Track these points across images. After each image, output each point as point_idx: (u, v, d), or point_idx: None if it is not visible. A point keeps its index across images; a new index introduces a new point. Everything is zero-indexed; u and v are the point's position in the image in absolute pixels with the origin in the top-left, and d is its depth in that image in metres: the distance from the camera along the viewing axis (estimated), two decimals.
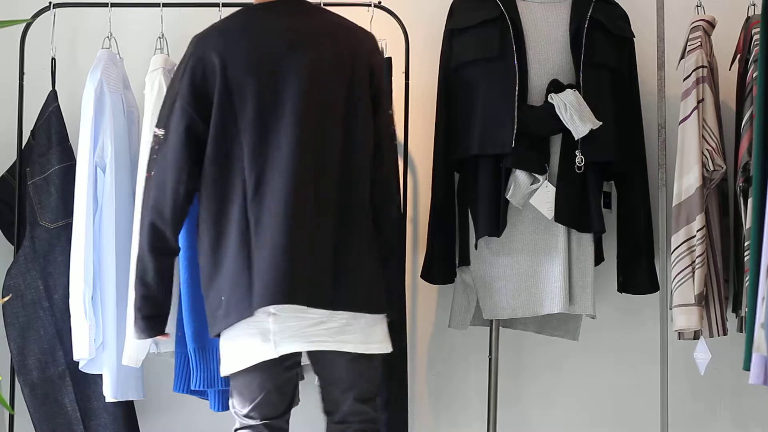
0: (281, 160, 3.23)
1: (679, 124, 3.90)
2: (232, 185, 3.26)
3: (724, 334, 3.95)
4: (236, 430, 3.33)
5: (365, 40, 3.45)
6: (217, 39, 3.35)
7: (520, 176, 3.88)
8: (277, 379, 3.28)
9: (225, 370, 3.32)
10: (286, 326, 3.23)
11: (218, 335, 3.33)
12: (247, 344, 3.25)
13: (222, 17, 4.00)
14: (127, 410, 4.05)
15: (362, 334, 3.28)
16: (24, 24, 4.09)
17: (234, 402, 3.33)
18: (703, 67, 3.88)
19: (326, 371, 3.34)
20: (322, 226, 3.25)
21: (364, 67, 3.35)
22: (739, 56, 3.99)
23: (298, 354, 3.32)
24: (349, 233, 3.28)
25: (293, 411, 3.39)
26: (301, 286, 3.20)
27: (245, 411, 3.31)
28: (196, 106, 3.29)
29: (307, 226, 3.22)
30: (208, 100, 3.28)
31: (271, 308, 3.21)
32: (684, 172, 3.87)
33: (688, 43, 3.93)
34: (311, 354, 3.33)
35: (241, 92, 3.27)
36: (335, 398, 3.34)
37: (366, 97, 3.33)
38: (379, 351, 3.32)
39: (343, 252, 3.26)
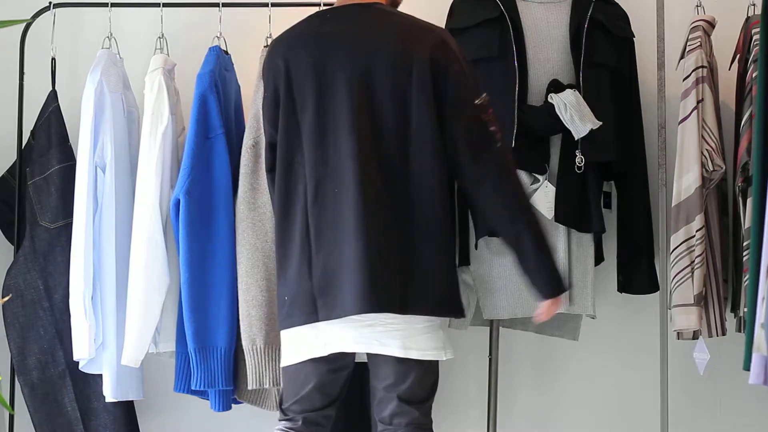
0: (340, 169, 3.27)
1: (679, 124, 3.90)
2: (295, 189, 3.31)
3: (723, 334, 3.95)
4: (279, 420, 3.40)
5: (426, 38, 3.32)
6: (283, 44, 3.38)
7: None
8: (323, 379, 3.33)
9: (282, 363, 3.42)
10: (337, 327, 3.27)
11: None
12: (299, 341, 3.32)
13: (221, 17, 4.01)
14: (127, 410, 4.05)
15: (406, 340, 3.29)
16: (24, 24, 4.09)
17: (282, 393, 3.40)
18: (702, 67, 3.88)
19: (374, 369, 3.38)
20: (388, 237, 3.26)
21: (423, 67, 3.28)
22: (738, 56, 3.99)
23: (349, 356, 3.36)
24: (413, 241, 3.28)
25: None
26: (369, 298, 3.23)
27: (287, 404, 3.37)
28: (271, 113, 3.39)
29: (375, 238, 3.24)
30: (278, 104, 3.37)
31: None
32: (683, 172, 3.87)
33: (688, 43, 3.93)
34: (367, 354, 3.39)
35: (303, 98, 3.31)
36: (381, 397, 3.38)
37: (426, 100, 3.26)
38: (422, 357, 3.32)
39: (408, 260, 3.28)
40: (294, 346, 3.33)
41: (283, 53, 3.34)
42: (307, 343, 3.30)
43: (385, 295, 3.23)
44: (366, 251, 3.21)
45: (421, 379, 3.34)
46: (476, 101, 3.31)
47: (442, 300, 3.32)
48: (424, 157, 3.27)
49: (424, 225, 3.28)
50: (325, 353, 3.29)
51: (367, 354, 3.35)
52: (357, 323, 3.26)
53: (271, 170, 3.44)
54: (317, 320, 3.26)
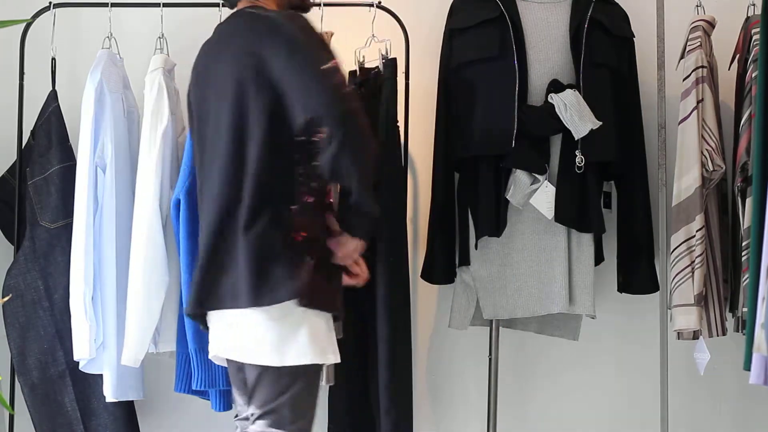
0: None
1: (679, 124, 3.90)
2: None
3: (723, 334, 3.95)
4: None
5: (255, 27, 3.25)
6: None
7: (520, 176, 3.89)
8: None
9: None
10: None
11: None
12: None
13: (221, 17, 4.01)
14: (127, 410, 4.05)
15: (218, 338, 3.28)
16: (24, 24, 4.09)
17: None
18: (702, 67, 3.88)
19: None
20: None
21: (251, 61, 3.21)
22: (738, 56, 3.99)
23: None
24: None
25: None
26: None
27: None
28: None
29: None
30: None
31: None
32: (683, 172, 3.87)
33: (688, 43, 3.93)
34: None
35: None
36: None
37: (256, 95, 3.19)
38: (225, 356, 3.28)
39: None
40: None
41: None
42: None
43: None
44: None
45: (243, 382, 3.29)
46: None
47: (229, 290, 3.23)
48: (249, 160, 3.25)
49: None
50: None
51: None
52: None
53: None
54: None
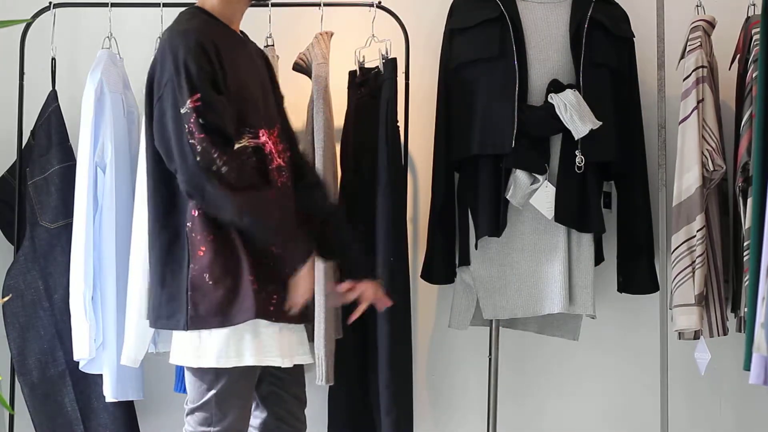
0: None
1: (679, 124, 3.90)
2: None
3: (724, 334, 3.95)
4: None
5: (165, 36, 3.28)
6: None
7: (520, 176, 3.89)
8: None
9: None
10: None
11: None
12: None
13: None
14: (127, 410, 4.05)
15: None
16: (24, 24, 4.09)
17: None
18: (703, 67, 3.88)
19: None
20: None
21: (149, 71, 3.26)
22: (738, 56, 3.99)
23: None
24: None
25: None
26: None
27: None
28: None
29: None
30: None
31: None
32: (684, 172, 3.87)
33: (688, 43, 3.93)
34: None
35: None
36: None
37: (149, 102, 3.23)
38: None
39: None
40: None
41: None
42: None
43: None
44: None
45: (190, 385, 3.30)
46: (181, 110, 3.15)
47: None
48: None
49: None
50: None
51: None
52: None
53: None
54: None
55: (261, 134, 3.23)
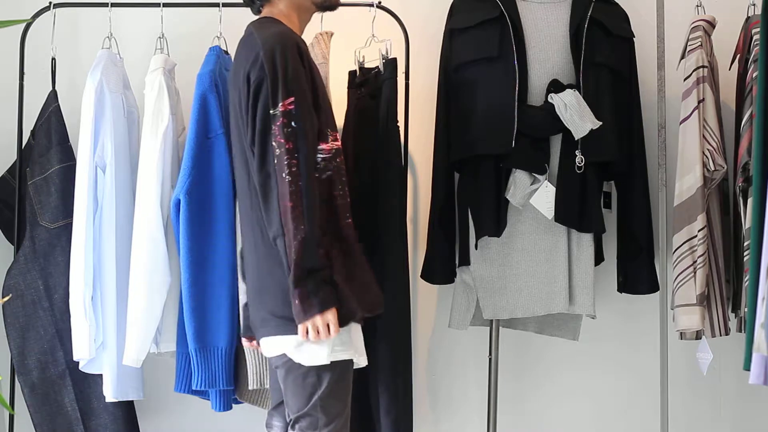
0: None
1: (680, 124, 3.90)
2: None
3: (726, 333, 3.95)
4: None
5: (247, 53, 3.38)
6: None
7: (520, 176, 3.89)
8: None
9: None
10: None
11: None
12: None
13: (221, 17, 4.01)
14: (127, 410, 4.05)
15: None
16: (24, 24, 4.09)
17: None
18: (703, 67, 3.88)
19: None
20: None
21: (242, 85, 3.35)
22: (739, 56, 3.99)
23: None
24: None
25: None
26: None
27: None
28: None
29: None
30: None
31: None
32: (685, 172, 3.87)
33: (689, 43, 3.93)
34: None
35: None
36: None
37: (245, 118, 3.34)
38: None
39: None
40: None
41: None
42: None
43: None
44: None
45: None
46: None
47: None
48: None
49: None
50: None
51: None
52: None
53: None
54: None
55: (334, 137, 3.37)
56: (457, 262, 4.07)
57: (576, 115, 3.82)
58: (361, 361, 3.42)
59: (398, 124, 3.99)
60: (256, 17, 3.50)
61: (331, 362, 3.29)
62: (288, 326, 3.28)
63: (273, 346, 3.35)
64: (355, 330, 3.37)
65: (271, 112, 3.25)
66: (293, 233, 3.19)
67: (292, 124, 3.22)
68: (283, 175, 3.20)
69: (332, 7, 3.53)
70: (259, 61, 3.27)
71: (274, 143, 3.22)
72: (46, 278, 4.02)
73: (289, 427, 3.38)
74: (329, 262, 3.24)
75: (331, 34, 4.03)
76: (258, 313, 3.37)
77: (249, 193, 3.35)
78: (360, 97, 4.06)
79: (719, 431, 4.31)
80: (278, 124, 3.22)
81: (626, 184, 4.10)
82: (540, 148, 3.90)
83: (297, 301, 3.20)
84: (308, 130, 3.25)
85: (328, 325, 3.22)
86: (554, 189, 3.89)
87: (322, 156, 3.32)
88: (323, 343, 3.25)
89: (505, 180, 3.91)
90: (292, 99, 3.23)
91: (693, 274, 3.83)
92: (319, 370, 3.30)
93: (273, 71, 3.25)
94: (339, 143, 3.39)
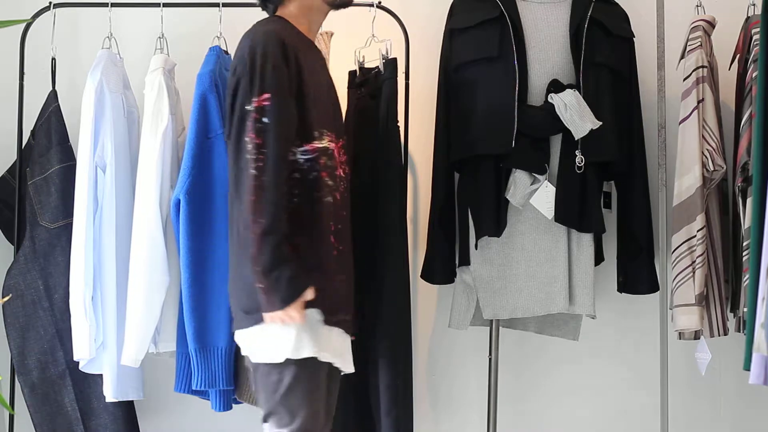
0: None
1: (679, 124, 3.90)
2: None
3: (725, 333, 3.95)
4: None
5: (237, 50, 3.39)
6: None
7: (520, 176, 3.89)
8: None
9: None
10: None
11: None
12: None
13: (221, 17, 4.02)
14: (127, 410, 4.05)
15: None
16: (24, 24, 4.09)
17: None
18: (703, 67, 3.88)
19: None
20: None
21: (228, 80, 3.39)
22: (738, 56, 3.99)
23: None
24: None
25: None
26: None
27: None
28: None
29: None
30: None
31: None
32: (684, 172, 3.87)
33: (688, 43, 3.93)
34: None
35: None
36: None
37: (227, 113, 3.36)
38: None
39: None
40: None
41: None
42: None
43: None
44: None
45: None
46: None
47: None
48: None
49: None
50: None
51: None
52: None
53: None
54: None
55: (329, 138, 3.35)
56: (457, 262, 4.07)
57: (576, 115, 3.82)
58: (344, 366, 3.42)
59: (398, 124, 3.99)
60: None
61: (294, 360, 3.27)
62: (247, 320, 3.28)
63: (239, 340, 3.36)
64: (338, 334, 3.36)
65: (246, 107, 3.25)
66: (252, 227, 3.18)
67: (264, 120, 3.22)
68: (251, 170, 3.20)
69: (345, 4, 3.53)
70: (242, 57, 3.29)
71: (246, 138, 3.23)
72: (46, 278, 4.03)
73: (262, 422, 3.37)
74: (295, 259, 3.21)
75: (331, 34, 4.03)
76: (233, 308, 3.39)
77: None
78: (360, 97, 4.07)
79: (719, 431, 4.31)
80: (251, 119, 3.23)
81: (626, 184, 4.10)
82: (540, 148, 3.90)
83: (262, 295, 3.20)
84: (281, 127, 3.23)
85: (292, 318, 3.22)
86: (554, 189, 3.88)
87: (306, 157, 3.30)
88: (280, 339, 3.25)
89: (505, 180, 3.91)
90: (267, 95, 3.23)
91: (692, 274, 3.83)
92: (280, 367, 3.28)
93: (251, 67, 3.26)
94: (334, 144, 3.37)
